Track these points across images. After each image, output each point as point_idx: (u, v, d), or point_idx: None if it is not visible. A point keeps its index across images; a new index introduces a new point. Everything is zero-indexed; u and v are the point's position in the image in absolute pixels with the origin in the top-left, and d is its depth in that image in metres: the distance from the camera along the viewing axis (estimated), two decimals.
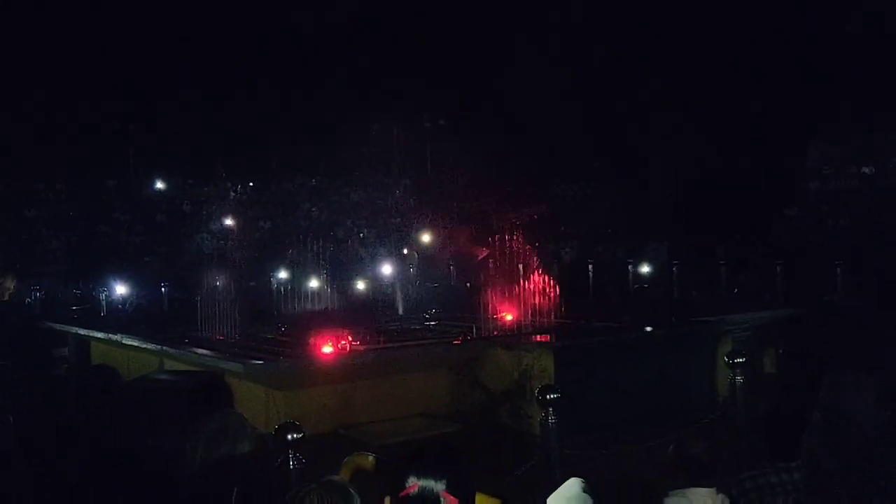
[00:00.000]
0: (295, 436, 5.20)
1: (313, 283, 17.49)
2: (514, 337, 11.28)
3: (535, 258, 12.85)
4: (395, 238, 18.79)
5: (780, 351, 12.85)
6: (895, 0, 23.45)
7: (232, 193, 27.59)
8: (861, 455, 3.00)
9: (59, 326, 15.41)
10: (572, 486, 2.98)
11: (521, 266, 13.23)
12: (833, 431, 3.08)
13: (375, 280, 18.71)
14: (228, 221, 25.36)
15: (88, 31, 27.07)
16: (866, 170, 27.21)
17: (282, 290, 17.42)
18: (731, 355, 8.19)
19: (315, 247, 17.55)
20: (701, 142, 26.83)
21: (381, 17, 29.35)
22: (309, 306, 16.57)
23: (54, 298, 18.61)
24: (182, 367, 10.60)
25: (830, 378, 3.24)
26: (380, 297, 17.35)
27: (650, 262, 20.80)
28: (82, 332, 14.62)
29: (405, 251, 17.80)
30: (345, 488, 2.67)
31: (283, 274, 18.11)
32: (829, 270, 16.38)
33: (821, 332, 11.29)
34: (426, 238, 20.00)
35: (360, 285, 18.98)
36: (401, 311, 15.59)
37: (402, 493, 2.41)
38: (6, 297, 10.75)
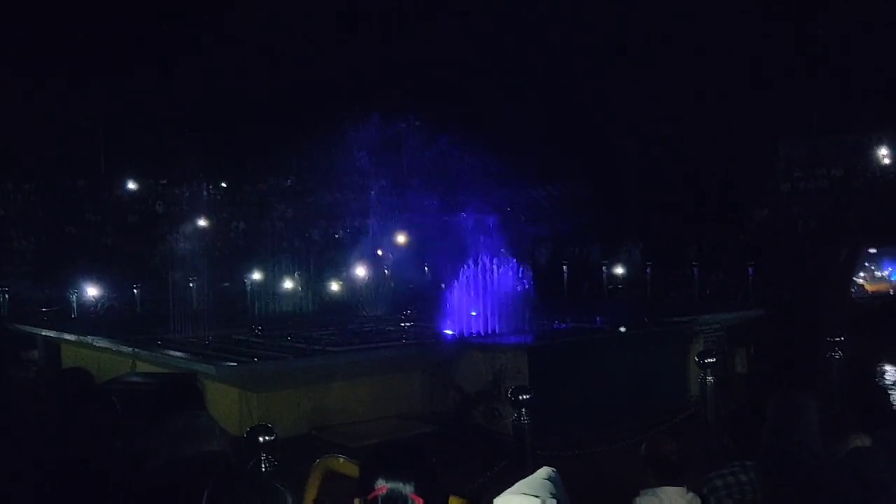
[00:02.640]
0: (267, 438, 5.17)
1: (288, 284, 17.43)
2: (489, 338, 11.30)
3: (510, 259, 12.87)
4: (369, 239, 18.74)
5: (751, 351, 12.99)
6: (861, 6, 23.82)
7: (205, 194, 27.41)
8: (812, 476, 3.06)
9: (28, 328, 15.20)
10: (540, 474, 2.98)
11: (496, 267, 13.24)
12: (783, 454, 3.13)
13: (350, 281, 18.66)
14: (202, 222, 25.19)
15: (60, 26, 26.76)
16: (836, 171, 27.60)
17: (256, 290, 17.34)
18: (703, 355, 8.25)
19: (290, 247, 17.49)
20: (673, 144, 27.08)
21: (357, 17, 29.32)
22: (283, 307, 16.52)
23: (23, 300, 18.38)
24: (155, 369, 10.50)
25: (774, 401, 3.29)
26: (355, 297, 17.30)
27: (624, 262, 20.97)
28: (52, 334, 14.42)
29: (380, 252, 17.77)
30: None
31: (257, 275, 18.01)
32: (800, 270, 16.62)
33: (786, 333, 11.43)
34: (401, 239, 19.99)
35: (335, 286, 18.92)
36: (376, 312, 15.56)
37: (370, 496, 2.40)
38: None
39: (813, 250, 19.57)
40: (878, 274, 19.86)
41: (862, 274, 19.16)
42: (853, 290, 18.63)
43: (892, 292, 19.48)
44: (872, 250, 19.59)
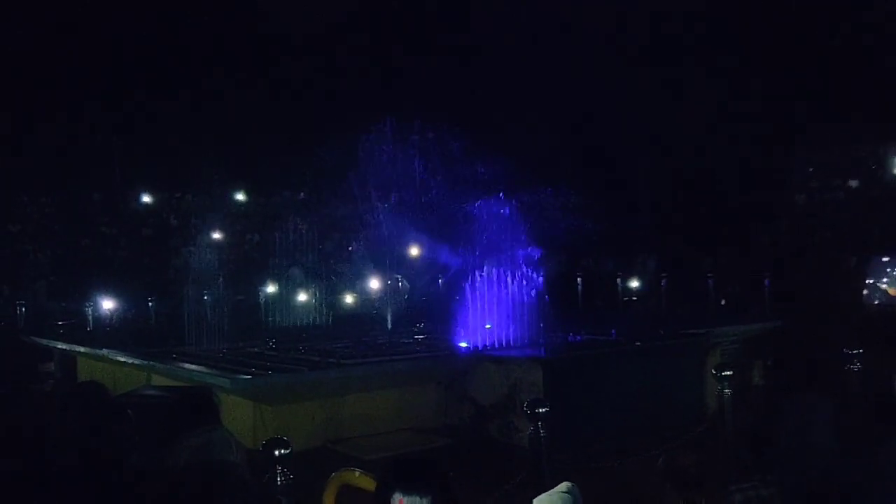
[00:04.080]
0: (282, 451, 5.15)
1: (302, 297, 17.44)
2: (504, 350, 11.26)
3: (523, 271, 12.84)
4: (383, 251, 18.77)
5: (769, 363, 12.90)
6: (878, 14, 23.72)
7: (219, 206, 27.51)
8: (826, 474, 3.03)
9: (44, 341, 15.28)
10: (560, 488, 2.97)
11: (509, 279, 13.19)
12: (798, 454, 3.10)
13: (364, 293, 18.65)
14: (216, 235, 25.27)
15: (73, 40, 26.99)
16: (852, 183, 27.43)
17: (270, 303, 17.38)
18: (720, 368, 8.18)
19: (304, 260, 17.52)
20: (688, 154, 26.98)
21: (370, 29, 29.45)
22: (298, 320, 16.53)
23: (40, 312, 18.47)
24: (170, 382, 10.52)
25: (789, 404, 3.25)
26: (369, 310, 17.30)
27: (638, 274, 20.89)
28: (68, 347, 14.48)
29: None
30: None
31: (271, 287, 18.04)
32: (816, 281, 16.52)
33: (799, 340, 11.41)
34: (414, 251, 19.99)
35: (349, 298, 18.92)
36: (390, 325, 15.53)
37: None
38: None
39: (828, 260, 19.51)
40: None
41: (885, 279, 19.10)
42: (877, 296, 18.61)
43: None
44: (885, 258, 19.50)
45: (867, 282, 18.87)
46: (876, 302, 18.68)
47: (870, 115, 25.14)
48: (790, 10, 26.05)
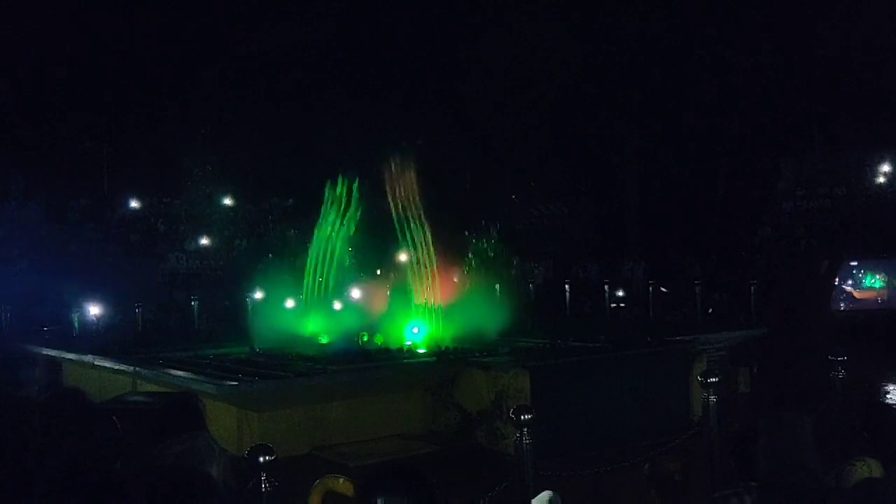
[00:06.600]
0: (267, 458, 5.13)
1: (289, 303, 17.38)
2: (490, 357, 11.26)
3: (511, 278, 12.88)
4: (371, 257, 18.72)
5: (754, 370, 12.97)
6: (863, 24, 23.93)
7: (207, 212, 27.43)
8: (813, 495, 3.02)
9: (29, 347, 15.18)
10: (541, 498, 2.98)
11: (497, 286, 13.21)
12: (783, 478, 3.08)
13: (351, 299, 18.59)
14: (203, 241, 25.20)
15: (61, 45, 26.89)
16: (838, 190, 27.60)
17: (257, 309, 17.31)
18: (706, 374, 8.19)
19: (291, 266, 17.48)
20: (676, 163, 27.11)
21: (360, 38, 29.47)
22: (284, 325, 16.46)
23: (25, 318, 18.35)
24: (155, 388, 10.47)
25: (765, 421, 3.22)
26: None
27: (626, 281, 20.96)
28: (54, 353, 14.39)
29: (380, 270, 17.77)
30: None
31: (258, 293, 17.99)
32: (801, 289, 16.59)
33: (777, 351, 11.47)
34: (402, 258, 19.99)
35: (337, 305, 18.85)
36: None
37: None
38: None
39: (809, 267, 19.68)
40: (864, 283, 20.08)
41: (850, 281, 19.29)
42: (842, 298, 18.74)
43: (879, 300, 19.60)
44: (853, 262, 19.69)
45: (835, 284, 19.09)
46: (842, 306, 18.81)
47: (857, 122, 25.34)
48: (779, 20, 26.23)
